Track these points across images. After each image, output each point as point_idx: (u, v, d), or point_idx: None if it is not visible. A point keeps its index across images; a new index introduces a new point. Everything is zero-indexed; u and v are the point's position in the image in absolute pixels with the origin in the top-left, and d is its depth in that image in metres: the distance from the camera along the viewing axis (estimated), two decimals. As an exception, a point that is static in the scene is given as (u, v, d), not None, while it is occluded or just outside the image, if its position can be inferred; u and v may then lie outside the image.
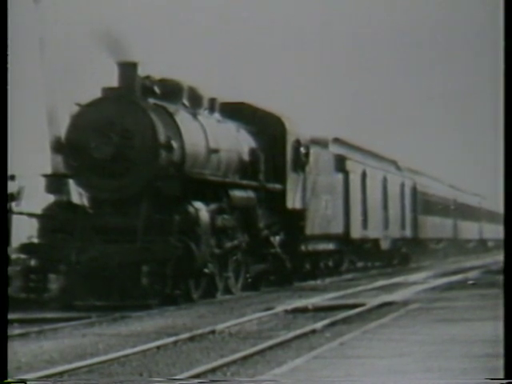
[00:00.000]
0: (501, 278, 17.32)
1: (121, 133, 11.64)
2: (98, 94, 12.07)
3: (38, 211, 11.91)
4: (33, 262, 11.52)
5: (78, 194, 12.21)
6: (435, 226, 27.12)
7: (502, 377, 5.61)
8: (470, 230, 33.27)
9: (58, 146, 12.15)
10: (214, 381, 5.97)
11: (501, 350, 6.58)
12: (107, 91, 12.01)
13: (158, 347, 7.41)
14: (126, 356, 6.93)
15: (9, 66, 6.46)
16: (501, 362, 6.08)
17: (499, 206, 40.67)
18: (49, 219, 11.72)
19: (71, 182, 12.31)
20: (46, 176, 12.55)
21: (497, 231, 39.72)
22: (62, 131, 12.42)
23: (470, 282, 15.22)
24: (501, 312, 9.36)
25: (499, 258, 29.90)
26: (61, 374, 6.22)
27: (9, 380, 5.81)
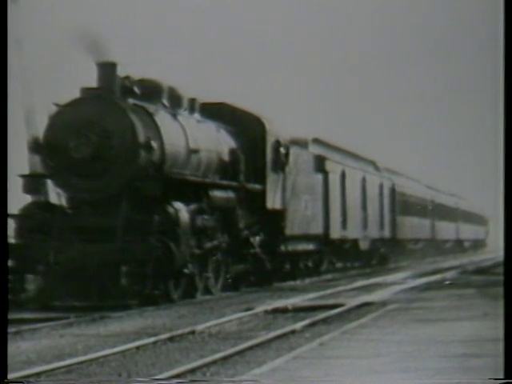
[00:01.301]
0: (476, 278, 17.56)
1: (100, 133, 11.59)
2: (76, 95, 12.01)
3: (15, 211, 11.82)
4: (9, 263, 11.43)
5: (56, 195, 12.14)
6: (413, 227, 27.31)
7: (478, 377, 5.67)
8: (447, 230, 33.57)
9: (35, 146, 12.07)
10: (193, 381, 5.97)
11: (476, 349, 6.66)
12: (86, 91, 11.96)
13: (138, 347, 7.39)
14: (105, 356, 6.91)
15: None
16: (476, 362, 6.14)
17: (475, 207, 41.12)
18: (26, 219, 11.64)
19: (49, 182, 12.24)
20: (23, 176, 12.46)
21: (472, 231, 40.12)
22: (40, 131, 12.34)
23: (447, 282, 15.37)
24: (477, 312, 9.47)
25: (475, 258, 30.31)
26: (38, 374, 6.18)
27: (9, 380, 5.77)
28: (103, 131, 11.63)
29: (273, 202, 15.31)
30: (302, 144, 17.37)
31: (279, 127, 15.83)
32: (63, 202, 12.03)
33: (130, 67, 12.27)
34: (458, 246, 36.59)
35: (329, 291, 13.59)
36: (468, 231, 38.55)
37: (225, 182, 13.76)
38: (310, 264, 17.82)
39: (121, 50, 12.41)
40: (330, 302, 11.31)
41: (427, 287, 14.21)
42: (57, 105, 11.97)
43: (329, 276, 18.48)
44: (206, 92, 14.72)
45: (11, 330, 8.48)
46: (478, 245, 41.59)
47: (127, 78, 12.24)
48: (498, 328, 8.12)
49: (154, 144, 11.86)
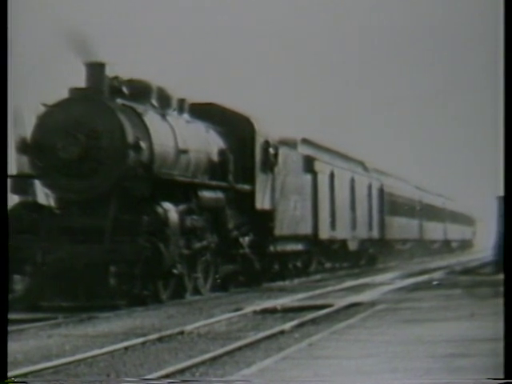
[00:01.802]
0: (463, 278, 17.65)
1: (88, 133, 11.56)
2: (64, 95, 11.96)
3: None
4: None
5: (44, 195, 12.09)
6: (401, 227, 27.41)
7: (466, 377, 5.70)
8: (434, 230, 33.71)
9: (23, 147, 12.02)
10: (185, 381, 5.97)
11: (463, 349, 6.69)
12: (74, 92, 11.92)
13: (126, 348, 7.38)
14: (94, 357, 6.89)
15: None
16: (463, 362, 6.18)
17: (462, 207, 41.30)
18: (13, 220, 11.58)
19: (37, 182, 12.19)
20: (10, 176, 12.40)
21: (460, 232, 40.33)
22: (28, 131, 12.29)
23: (435, 282, 15.44)
24: (464, 312, 9.52)
25: (462, 258, 30.45)
26: (25, 375, 6.15)
27: (9, 380, 5.75)
28: (91, 131, 11.60)
29: (262, 202, 15.32)
30: (291, 144, 17.40)
31: (268, 127, 15.85)
32: (51, 202, 11.98)
33: (119, 67, 12.25)
34: (446, 246, 36.76)
35: (318, 291, 13.61)
36: (455, 232, 38.74)
37: (214, 183, 13.75)
38: (298, 264, 17.84)
39: (110, 50, 12.39)
40: (319, 302, 11.33)
41: (415, 287, 14.26)
42: (45, 105, 11.92)
43: (318, 276, 18.51)
44: (196, 92, 14.72)
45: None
46: (465, 245, 41.81)
47: (116, 78, 12.21)
48: (484, 328, 8.17)
49: (143, 144, 11.84)
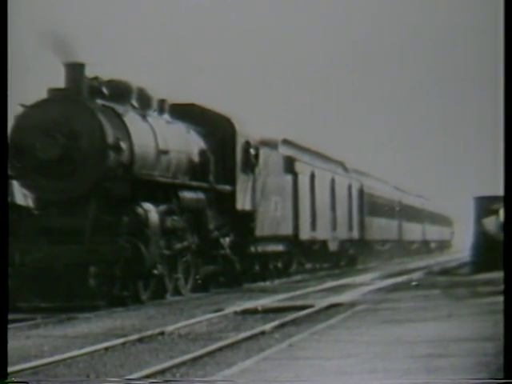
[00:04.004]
0: (441, 279, 17.81)
1: (67, 134, 11.49)
2: (43, 95, 11.88)
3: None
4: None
5: (22, 196, 11.99)
6: (381, 228, 27.55)
7: (443, 376, 5.75)
8: (413, 231, 33.93)
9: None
10: (167, 380, 5.96)
11: (441, 349, 6.75)
12: (53, 92, 11.84)
13: (106, 348, 7.34)
14: (73, 358, 6.85)
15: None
16: (441, 362, 6.23)
17: (440, 208, 41.62)
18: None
19: (15, 183, 12.09)
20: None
21: (438, 232, 40.64)
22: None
23: (414, 283, 15.56)
24: (442, 312, 9.61)
25: (440, 259, 30.72)
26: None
27: (9, 380, 5.70)
28: (71, 132, 11.53)
29: (243, 203, 15.33)
30: (271, 145, 17.42)
31: (249, 128, 15.86)
32: (30, 203, 11.89)
33: (99, 68, 12.19)
34: (425, 246, 37.02)
35: (298, 292, 13.65)
36: (434, 232, 39.03)
37: (194, 183, 13.73)
38: (279, 265, 17.87)
39: (89, 50, 12.32)
40: (300, 303, 11.36)
41: (394, 288, 14.35)
42: (23, 105, 11.83)
43: (298, 277, 18.55)
44: (176, 93, 14.69)
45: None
46: (443, 246, 42.13)
47: (96, 78, 12.15)
48: (462, 328, 8.25)
49: (123, 145, 11.80)
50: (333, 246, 21.69)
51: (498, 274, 14.67)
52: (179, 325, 8.92)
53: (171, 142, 13.25)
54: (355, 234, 24.01)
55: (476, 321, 8.80)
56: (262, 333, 8.32)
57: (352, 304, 11.08)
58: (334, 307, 10.75)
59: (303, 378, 5.88)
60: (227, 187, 14.82)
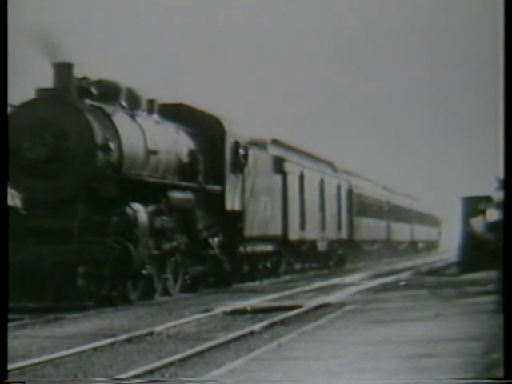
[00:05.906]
0: (429, 279, 17.88)
1: (56, 134, 11.46)
2: (31, 95, 11.84)
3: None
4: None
5: (10, 196, 11.94)
6: (370, 228, 27.63)
7: (435, 377, 5.78)
8: (402, 231, 34.05)
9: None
10: (153, 381, 5.96)
11: (429, 349, 6.79)
12: (41, 92, 11.80)
13: (95, 349, 7.33)
14: (61, 358, 6.83)
15: None
16: (428, 362, 6.27)
17: (428, 208, 41.81)
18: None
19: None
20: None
21: (426, 233, 40.82)
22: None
23: (402, 283, 15.62)
24: (429, 312, 9.66)
25: (428, 259, 30.86)
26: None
27: (9, 380, 5.69)
28: (59, 132, 11.50)
29: (232, 203, 15.33)
30: (261, 145, 17.44)
31: (238, 128, 15.86)
32: (17, 203, 11.85)
33: (88, 68, 12.16)
34: (413, 247, 37.16)
35: (287, 292, 13.67)
36: (422, 232, 39.19)
37: (183, 183, 13.73)
38: (268, 265, 17.89)
39: (78, 50, 12.29)
40: (289, 303, 11.38)
41: (383, 288, 14.40)
42: (11, 105, 11.78)
43: (287, 277, 18.57)
44: (166, 92, 14.68)
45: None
46: (431, 246, 42.31)
47: (84, 78, 12.12)
48: (449, 328, 8.30)
49: (112, 145, 11.78)
50: (322, 246, 21.74)
51: (485, 274, 14.77)
52: (168, 325, 8.92)
53: (160, 142, 13.24)
54: (344, 235, 24.07)
55: (463, 321, 8.85)
56: (251, 333, 8.33)
57: (341, 304, 11.11)
58: (322, 307, 10.77)
59: (292, 378, 5.90)
60: (216, 187, 14.82)
